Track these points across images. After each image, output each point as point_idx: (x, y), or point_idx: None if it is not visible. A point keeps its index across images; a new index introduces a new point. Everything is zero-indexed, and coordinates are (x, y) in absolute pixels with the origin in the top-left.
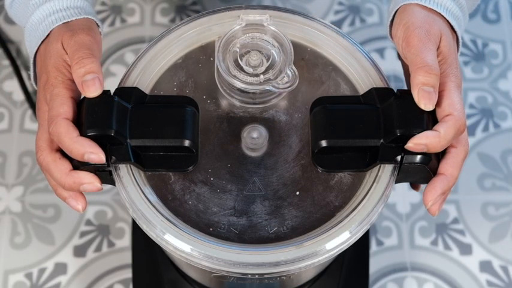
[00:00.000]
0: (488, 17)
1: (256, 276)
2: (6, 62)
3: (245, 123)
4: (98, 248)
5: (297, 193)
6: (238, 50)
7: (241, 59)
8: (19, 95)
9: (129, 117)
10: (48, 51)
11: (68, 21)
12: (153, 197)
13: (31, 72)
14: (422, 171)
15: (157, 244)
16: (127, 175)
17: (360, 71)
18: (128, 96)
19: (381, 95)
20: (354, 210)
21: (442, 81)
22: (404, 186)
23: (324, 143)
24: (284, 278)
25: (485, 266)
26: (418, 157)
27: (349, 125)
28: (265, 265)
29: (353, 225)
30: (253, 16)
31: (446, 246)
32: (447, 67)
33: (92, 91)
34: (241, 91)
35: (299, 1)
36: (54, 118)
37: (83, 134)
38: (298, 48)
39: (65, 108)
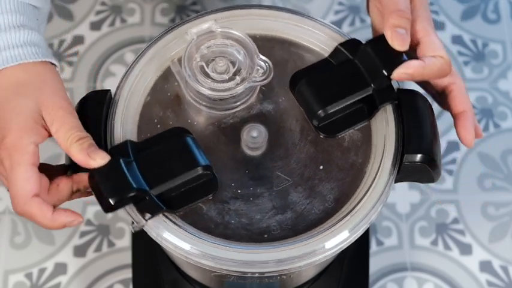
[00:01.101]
0: (488, 17)
1: (257, 274)
2: None
3: (239, 128)
4: (98, 248)
5: (321, 167)
6: (203, 64)
7: (208, 68)
8: None
9: (138, 170)
10: (15, 107)
11: (25, 63)
12: (197, 232)
13: None
14: (422, 170)
15: (157, 244)
16: (162, 224)
17: (314, 35)
18: (124, 151)
19: (348, 48)
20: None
21: (421, 27)
22: (404, 186)
23: (321, 113)
24: (284, 277)
25: (485, 266)
26: (419, 156)
27: (336, 86)
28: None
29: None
30: (200, 27)
31: (446, 246)
32: (419, 8)
33: (102, 157)
34: (221, 99)
35: (299, 1)
36: (21, 197)
37: (105, 205)
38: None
39: (31, 184)
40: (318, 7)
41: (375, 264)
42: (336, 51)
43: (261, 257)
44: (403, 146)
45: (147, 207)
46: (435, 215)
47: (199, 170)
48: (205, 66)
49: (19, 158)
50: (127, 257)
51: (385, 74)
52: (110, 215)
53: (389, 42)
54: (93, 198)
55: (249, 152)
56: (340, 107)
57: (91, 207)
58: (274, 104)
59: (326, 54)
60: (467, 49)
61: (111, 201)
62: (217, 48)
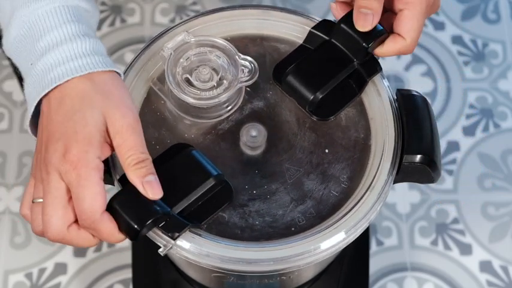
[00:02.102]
0: (488, 17)
1: (257, 275)
2: (6, 62)
3: (237, 131)
4: (98, 248)
5: (326, 151)
6: (187, 75)
7: (192, 77)
8: (19, 95)
9: None
10: (82, 118)
11: (92, 73)
12: (227, 242)
13: (29, 114)
14: (422, 170)
15: (157, 244)
16: (191, 241)
17: (283, 25)
18: None
19: (322, 30)
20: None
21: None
22: (404, 186)
23: (313, 100)
24: (284, 278)
25: (485, 266)
26: (418, 157)
27: (320, 69)
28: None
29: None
30: (174, 40)
31: (446, 246)
32: None
33: (157, 193)
34: (213, 106)
35: (299, 1)
36: (90, 215)
37: (132, 233)
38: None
39: (100, 201)
40: (318, 7)
41: (375, 264)
42: (310, 36)
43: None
44: (403, 147)
45: (173, 226)
46: (435, 215)
47: (213, 180)
48: (189, 77)
49: (86, 173)
50: (127, 257)
51: (365, 46)
52: None
53: (354, 22)
54: None
55: (250, 152)
56: (330, 89)
57: None
58: (264, 100)
59: (300, 42)
60: (467, 49)
61: (138, 228)
62: (196, 58)
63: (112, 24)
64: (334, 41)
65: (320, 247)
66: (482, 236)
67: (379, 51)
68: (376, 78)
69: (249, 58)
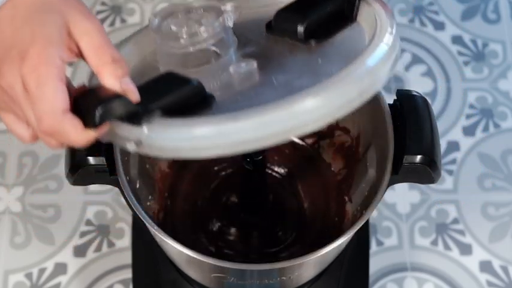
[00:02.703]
0: (488, 17)
1: (257, 270)
2: None
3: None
4: (98, 248)
5: (319, 60)
6: (173, 28)
7: (178, 32)
8: None
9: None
10: (39, 21)
11: None
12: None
13: None
14: (422, 171)
15: (157, 244)
16: (164, 129)
17: None
18: None
19: None
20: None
21: None
22: (405, 186)
23: (302, 25)
24: (284, 278)
25: (485, 266)
26: (419, 157)
27: (309, 4)
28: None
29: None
30: (160, 7)
31: (446, 246)
32: None
33: (137, 94)
34: (202, 52)
35: None
36: (52, 115)
37: (91, 120)
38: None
39: (62, 99)
40: None
41: (375, 264)
42: None
43: (246, 125)
44: (404, 147)
45: (142, 115)
46: (435, 215)
47: (190, 86)
48: (175, 29)
49: (46, 71)
50: (127, 257)
51: None
52: (110, 215)
53: None
54: (92, 198)
55: (241, 87)
56: (319, 16)
57: (91, 207)
58: (256, 46)
59: None
60: (467, 49)
61: (97, 113)
62: (182, 20)
63: (112, 24)
64: None
65: (306, 105)
66: (482, 236)
67: None
68: (373, 1)
69: (231, 3)
